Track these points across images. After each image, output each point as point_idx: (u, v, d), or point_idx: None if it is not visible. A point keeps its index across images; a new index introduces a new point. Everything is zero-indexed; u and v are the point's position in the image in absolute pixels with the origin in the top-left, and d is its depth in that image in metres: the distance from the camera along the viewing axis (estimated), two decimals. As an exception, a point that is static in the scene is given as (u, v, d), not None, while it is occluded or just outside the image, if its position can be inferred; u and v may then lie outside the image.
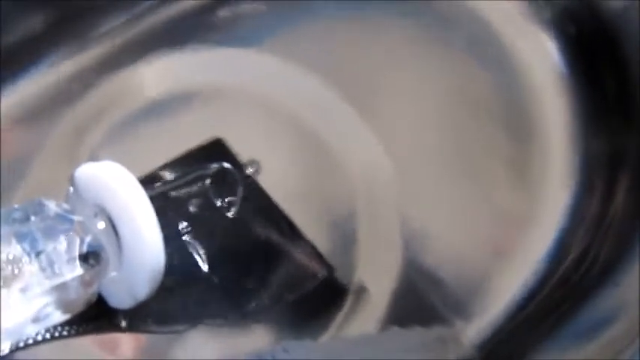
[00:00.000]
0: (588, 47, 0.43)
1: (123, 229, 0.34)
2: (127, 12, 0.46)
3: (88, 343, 0.38)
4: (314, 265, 0.39)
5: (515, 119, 0.43)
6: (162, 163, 0.40)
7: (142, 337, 0.38)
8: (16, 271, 0.32)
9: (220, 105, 0.44)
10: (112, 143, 0.43)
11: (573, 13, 0.43)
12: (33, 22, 0.45)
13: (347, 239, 0.41)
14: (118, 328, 0.36)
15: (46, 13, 0.45)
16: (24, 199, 0.41)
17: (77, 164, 0.41)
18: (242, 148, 0.41)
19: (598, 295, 0.37)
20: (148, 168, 0.40)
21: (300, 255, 0.40)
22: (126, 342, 0.39)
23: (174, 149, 0.41)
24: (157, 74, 0.45)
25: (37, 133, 0.44)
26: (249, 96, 0.44)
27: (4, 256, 0.32)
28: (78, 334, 0.35)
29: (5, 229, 0.32)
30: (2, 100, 0.44)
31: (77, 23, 0.45)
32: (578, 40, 0.43)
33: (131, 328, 0.37)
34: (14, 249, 0.32)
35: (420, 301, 0.40)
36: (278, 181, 0.41)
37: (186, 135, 0.42)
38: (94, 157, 0.43)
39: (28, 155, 0.43)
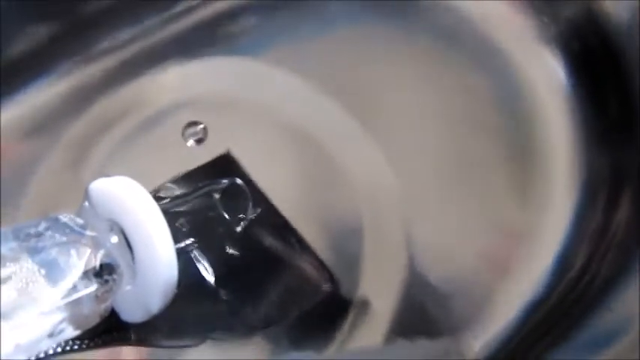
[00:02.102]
0: (592, 64, 0.43)
1: (136, 244, 0.34)
2: (133, 26, 0.46)
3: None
4: (320, 279, 0.39)
5: (518, 135, 0.43)
6: (167, 176, 0.40)
7: (145, 348, 0.38)
8: (31, 287, 0.32)
9: (226, 116, 0.44)
10: (117, 155, 0.43)
11: (577, 30, 0.44)
12: (38, 35, 0.44)
13: (351, 253, 0.41)
14: (127, 342, 0.36)
15: (51, 26, 0.45)
16: (28, 211, 0.42)
17: (82, 176, 0.42)
18: (247, 159, 0.41)
19: (599, 311, 0.37)
20: (154, 180, 0.39)
21: (306, 268, 0.40)
22: (128, 353, 0.38)
23: (179, 162, 0.41)
24: (163, 87, 0.45)
25: (41, 145, 0.44)
26: (254, 108, 0.44)
27: (18, 271, 0.31)
28: (88, 348, 0.35)
29: (19, 245, 0.32)
30: (8, 111, 0.44)
31: (82, 36, 0.45)
32: (581, 56, 0.44)
33: (140, 342, 0.37)
34: (28, 264, 0.32)
35: (424, 316, 0.40)
36: (282, 194, 0.41)
37: (191, 147, 0.42)
38: (99, 170, 0.43)
39: (32, 167, 0.43)
